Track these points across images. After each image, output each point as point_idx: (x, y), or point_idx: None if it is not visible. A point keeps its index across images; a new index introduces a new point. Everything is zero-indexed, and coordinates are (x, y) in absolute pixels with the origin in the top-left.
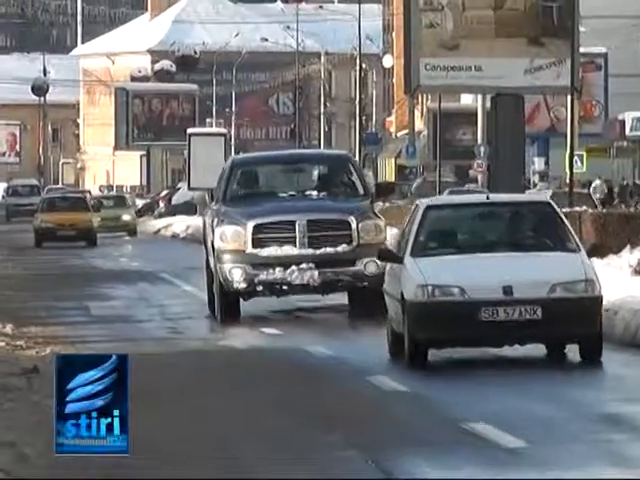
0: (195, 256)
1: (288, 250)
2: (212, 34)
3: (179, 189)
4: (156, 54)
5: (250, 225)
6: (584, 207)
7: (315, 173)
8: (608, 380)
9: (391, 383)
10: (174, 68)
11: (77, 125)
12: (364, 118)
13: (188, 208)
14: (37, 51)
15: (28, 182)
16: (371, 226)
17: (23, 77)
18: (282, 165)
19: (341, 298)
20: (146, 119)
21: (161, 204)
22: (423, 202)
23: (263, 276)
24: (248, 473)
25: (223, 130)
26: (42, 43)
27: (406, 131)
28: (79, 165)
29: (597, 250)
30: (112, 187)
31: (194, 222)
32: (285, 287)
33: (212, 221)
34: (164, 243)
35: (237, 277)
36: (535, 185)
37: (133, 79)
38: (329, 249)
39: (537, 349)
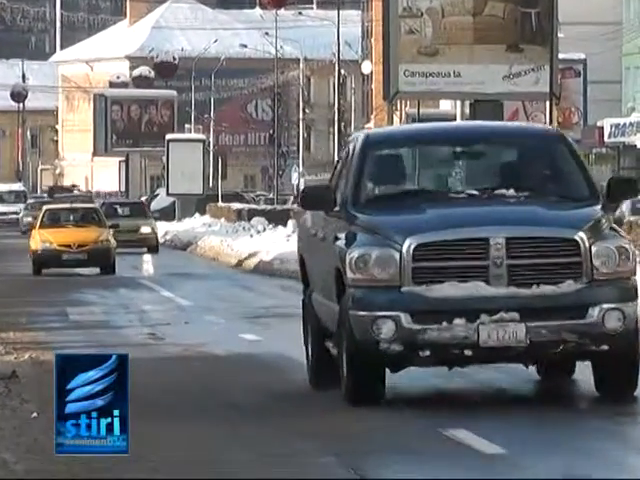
0: (174, 262)
1: (475, 288)
2: (191, 40)
3: (157, 195)
4: (135, 60)
5: (409, 245)
6: None
7: (507, 160)
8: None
9: None
10: (153, 74)
11: (56, 131)
12: (343, 124)
13: (167, 214)
14: (16, 57)
15: (15, 187)
16: (611, 250)
17: (2, 83)
18: (450, 146)
19: None
20: (125, 125)
21: None
22: None
23: (432, 332)
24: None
25: (202, 136)
26: (21, 49)
27: None
28: (58, 171)
29: None
30: (90, 193)
31: (172, 228)
32: (469, 352)
33: (334, 237)
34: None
35: (386, 333)
36: None
37: (112, 85)
38: (545, 288)
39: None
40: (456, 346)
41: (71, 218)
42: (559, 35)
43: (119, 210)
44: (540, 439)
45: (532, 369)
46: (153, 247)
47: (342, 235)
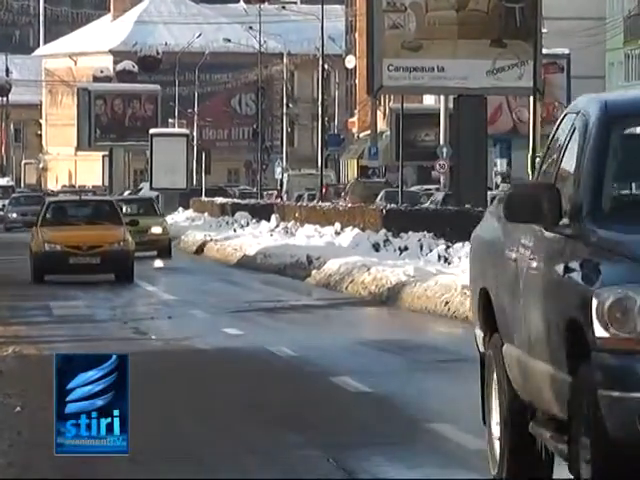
0: (158, 257)
1: None
2: (174, 35)
3: (141, 189)
4: (118, 54)
5: None
6: None
7: None
8: None
9: (354, 384)
10: (136, 68)
11: (39, 125)
12: (326, 119)
13: None
14: None
15: (3, 182)
16: None
17: None
18: None
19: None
20: (108, 119)
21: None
22: None
23: None
24: (212, 472)
25: (185, 131)
26: (4, 43)
27: (369, 132)
28: (41, 165)
29: None
30: (74, 187)
31: None
32: None
33: (564, 267)
34: None
35: None
36: (497, 187)
37: (95, 79)
38: None
39: None
40: None
41: (81, 214)
42: (543, 30)
43: (125, 207)
44: None
45: None
46: (165, 250)
47: (577, 264)
